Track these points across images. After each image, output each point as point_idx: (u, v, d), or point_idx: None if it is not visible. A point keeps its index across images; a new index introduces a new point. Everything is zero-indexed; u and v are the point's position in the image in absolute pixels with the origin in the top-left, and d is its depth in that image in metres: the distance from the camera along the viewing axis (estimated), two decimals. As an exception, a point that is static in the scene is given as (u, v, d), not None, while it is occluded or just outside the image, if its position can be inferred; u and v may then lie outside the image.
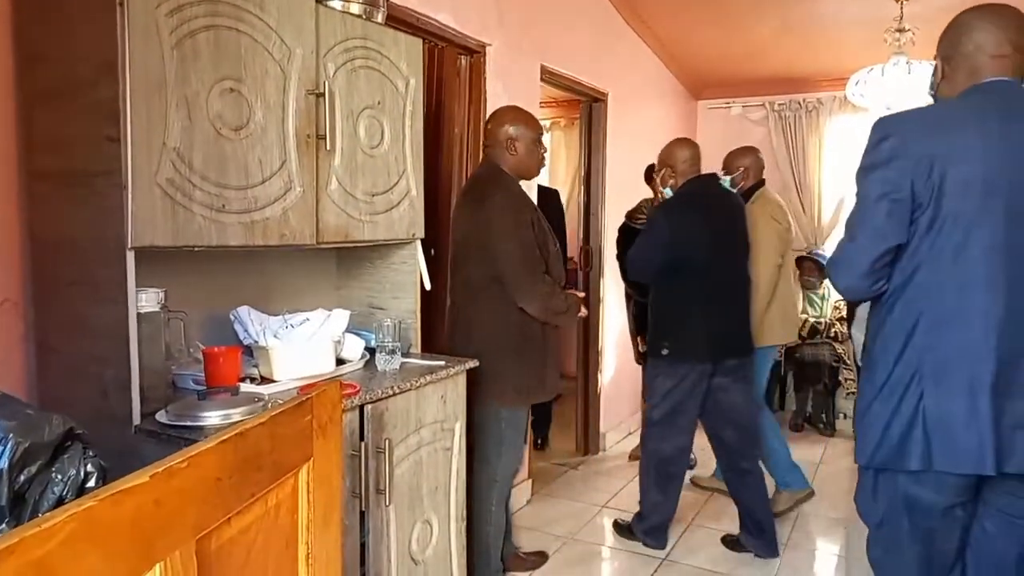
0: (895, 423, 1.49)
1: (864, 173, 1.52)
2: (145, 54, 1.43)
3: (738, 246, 2.94)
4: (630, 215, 3.81)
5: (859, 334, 1.89)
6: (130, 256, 1.45)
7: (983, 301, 1.43)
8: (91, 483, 0.99)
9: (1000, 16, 1.50)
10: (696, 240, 2.78)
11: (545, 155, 2.56)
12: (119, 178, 1.42)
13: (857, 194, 1.55)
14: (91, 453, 1.02)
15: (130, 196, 1.42)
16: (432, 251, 2.76)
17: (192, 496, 0.83)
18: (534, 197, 3.34)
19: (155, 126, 1.46)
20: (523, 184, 2.51)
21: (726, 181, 3.26)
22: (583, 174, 4.29)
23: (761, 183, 3.39)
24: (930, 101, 1.72)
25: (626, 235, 3.72)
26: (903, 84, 3.53)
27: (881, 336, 1.54)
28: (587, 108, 4.20)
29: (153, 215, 1.46)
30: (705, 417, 2.94)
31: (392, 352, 2.04)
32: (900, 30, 3.65)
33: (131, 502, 0.73)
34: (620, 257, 3.60)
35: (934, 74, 1.65)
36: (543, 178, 4.87)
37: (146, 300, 1.53)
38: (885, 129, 1.50)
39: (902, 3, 3.59)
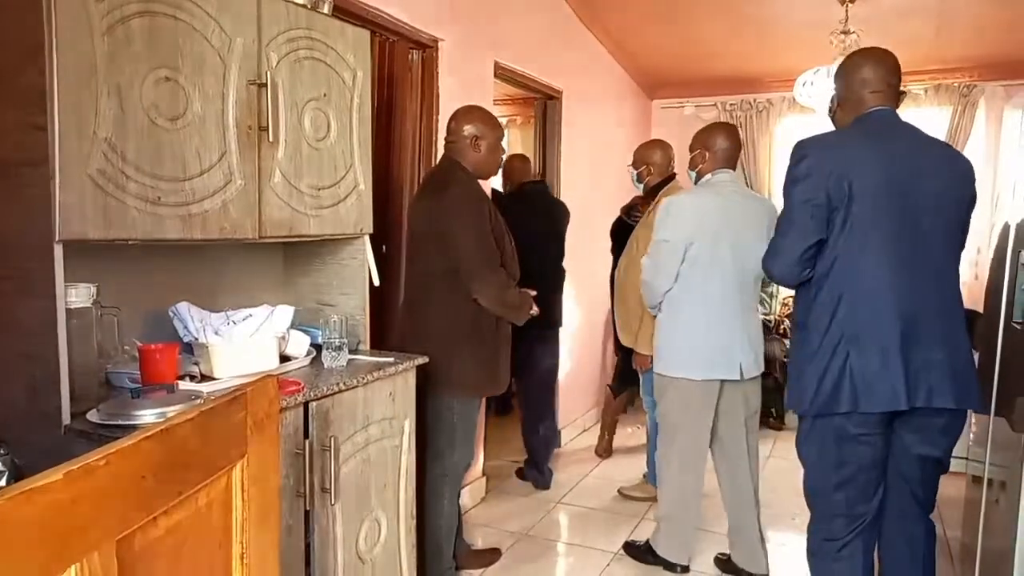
0: (827, 378, 1.86)
1: (790, 185, 1.91)
2: (74, 40, 1.38)
3: (549, 240, 3.66)
4: (626, 211, 3.78)
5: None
6: (58, 249, 1.39)
7: (887, 280, 1.83)
8: (1, 482, 0.95)
9: (880, 59, 1.95)
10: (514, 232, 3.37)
11: (503, 158, 2.60)
12: (46, 168, 1.37)
13: (785, 201, 1.94)
14: (2, 451, 0.97)
15: (58, 187, 1.37)
16: (384, 247, 2.73)
17: (112, 495, 0.80)
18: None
19: (85, 115, 1.41)
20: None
21: (632, 175, 3.35)
22: (538, 172, 4.29)
23: (670, 178, 3.34)
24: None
25: (620, 230, 3.68)
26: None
27: (813, 312, 1.91)
28: (542, 105, 4.21)
29: (83, 207, 1.41)
30: (521, 376, 3.63)
31: (339, 349, 2.01)
32: (845, 32, 3.74)
33: (42, 501, 0.70)
34: (615, 251, 3.64)
35: (832, 102, 2.05)
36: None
37: (76, 295, 1.48)
38: (803, 151, 1.90)
39: (847, 6, 3.68)
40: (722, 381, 2.66)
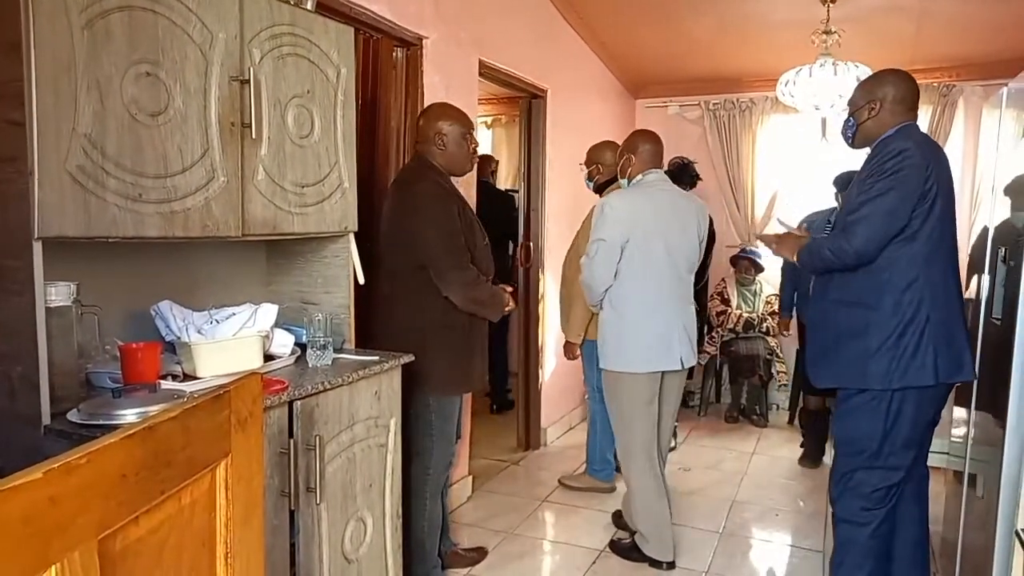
0: (913, 351, 2.02)
1: (889, 174, 2.02)
2: (52, 34, 1.36)
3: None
4: None
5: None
6: (37, 247, 1.37)
7: (952, 265, 2.10)
8: (-20, 483, 0.93)
9: (912, 81, 2.19)
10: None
11: (476, 151, 2.57)
12: (24, 164, 1.35)
13: (879, 186, 2.03)
14: (-20, 451, 0.95)
15: (36, 183, 1.35)
16: (369, 245, 2.72)
17: (94, 493, 0.79)
18: (470, 197, 3.34)
19: (64, 110, 1.38)
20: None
21: (584, 173, 3.51)
22: (523, 171, 4.29)
23: (615, 178, 3.33)
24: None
25: None
26: (829, 85, 3.64)
27: (886, 292, 2.05)
28: (526, 104, 4.20)
29: (62, 204, 1.39)
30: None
31: (324, 347, 2.00)
32: (827, 32, 3.76)
33: (22, 499, 0.68)
34: None
35: (870, 110, 2.17)
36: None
37: (56, 293, 1.45)
38: (907, 150, 2.03)
39: (828, 6, 3.71)
40: (663, 372, 2.79)
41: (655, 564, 2.84)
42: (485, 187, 5.01)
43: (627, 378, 2.77)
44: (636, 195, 2.81)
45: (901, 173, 2.01)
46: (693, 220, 2.83)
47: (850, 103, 2.27)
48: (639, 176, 2.85)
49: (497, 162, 5.56)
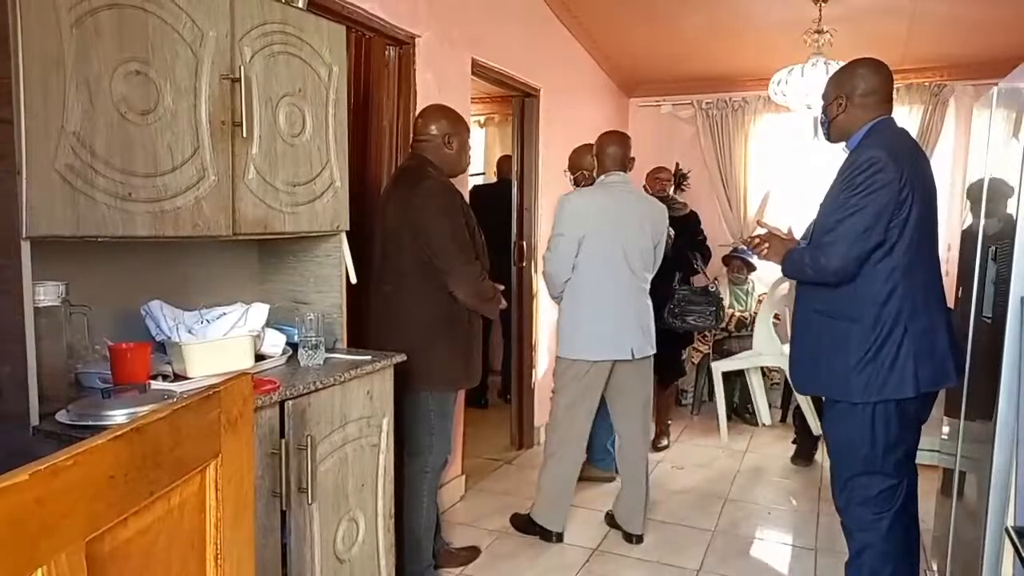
0: (891, 364, 1.99)
1: (861, 190, 1.97)
2: (40, 32, 1.35)
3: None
4: None
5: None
6: (25, 246, 1.36)
7: (933, 274, 2.06)
8: (-34, 484, 0.92)
9: (886, 71, 2.10)
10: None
11: (471, 157, 2.69)
12: (12, 163, 1.33)
13: (851, 202, 1.98)
14: (-34, 452, 0.94)
15: (24, 182, 1.33)
16: (363, 244, 2.71)
17: (81, 495, 0.78)
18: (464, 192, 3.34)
19: (52, 108, 1.37)
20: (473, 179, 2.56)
21: (569, 179, 3.61)
22: (516, 170, 4.28)
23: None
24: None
25: None
26: (821, 84, 3.63)
27: (863, 304, 2.01)
28: (519, 103, 4.20)
29: (51, 203, 1.38)
30: None
31: (315, 347, 1.99)
32: (819, 32, 3.78)
33: (8, 501, 0.68)
34: None
35: (838, 105, 2.12)
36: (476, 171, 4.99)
37: (45, 293, 1.44)
38: (879, 161, 1.96)
39: (820, 5, 3.72)
40: (615, 362, 2.96)
41: (545, 536, 3.04)
42: (507, 187, 4.96)
43: (577, 364, 2.95)
44: (595, 194, 2.98)
45: (873, 188, 1.96)
46: (650, 221, 2.99)
47: (823, 97, 2.23)
48: (602, 176, 3.02)
49: None
